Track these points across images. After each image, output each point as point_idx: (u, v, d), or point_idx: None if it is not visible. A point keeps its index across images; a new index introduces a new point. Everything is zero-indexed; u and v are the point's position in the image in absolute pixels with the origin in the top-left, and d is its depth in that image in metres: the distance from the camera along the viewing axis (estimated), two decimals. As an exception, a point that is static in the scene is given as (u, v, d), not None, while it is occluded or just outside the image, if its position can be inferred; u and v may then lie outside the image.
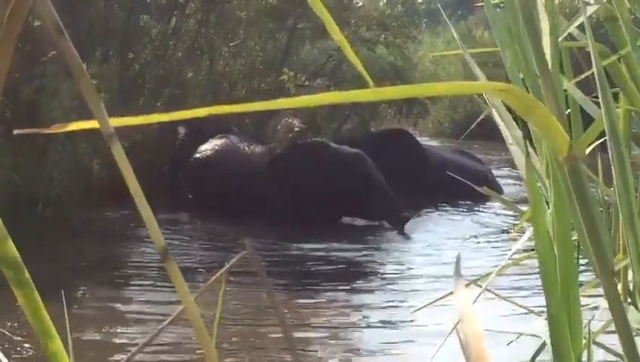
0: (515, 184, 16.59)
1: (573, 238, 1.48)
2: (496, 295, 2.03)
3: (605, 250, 1.34)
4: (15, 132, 0.94)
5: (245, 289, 8.62)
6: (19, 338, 7.08)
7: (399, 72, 22.85)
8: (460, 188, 13.23)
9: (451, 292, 0.80)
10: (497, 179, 16.62)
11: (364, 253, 11.30)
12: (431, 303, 2.36)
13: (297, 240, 11.63)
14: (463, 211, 14.50)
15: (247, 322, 7.91)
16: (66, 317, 1.43)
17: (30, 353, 6.84)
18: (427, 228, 13.12)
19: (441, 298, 2.21)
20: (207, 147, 13.69)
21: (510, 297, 2.86)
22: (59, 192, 11.57)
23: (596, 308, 1.81)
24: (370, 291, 9.36)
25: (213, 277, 0.78)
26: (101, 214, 12.20)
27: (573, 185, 1.32)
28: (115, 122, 0.81)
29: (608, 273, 1.36)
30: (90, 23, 14.25)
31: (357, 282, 9.77)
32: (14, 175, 10.84)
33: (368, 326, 8.09)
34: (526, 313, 2.33)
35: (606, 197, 2.01)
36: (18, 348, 6.93)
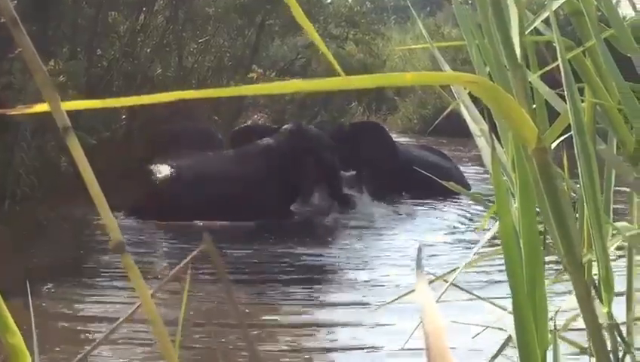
0: (482, 181, 16.65)
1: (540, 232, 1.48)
2: (461, 289, 2.03)
3: (574, 242, 1.33)
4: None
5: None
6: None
7: (368, 69, 22.89)
8: (429, 183, 13.32)
9: (414, 290, 0.79)
10: (465, 175, 16.70)
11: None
12: (395, 300, 2.36)
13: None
14: (433, 206, 14.57)
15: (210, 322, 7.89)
16: (31, 312, 1.41)
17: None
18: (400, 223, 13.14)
19: (404, 294, 2.21)
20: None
21: (474, 291, 2.86)
22: (26, 190, 11.51)
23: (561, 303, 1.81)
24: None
25: (172, 272, 0.77)
26: (69, 211, 12.13)
27: (542, 177, 1.31)
28: (68, 105, 0.80)
29: (577, 266, 1.35)
30: (58, 19, 14.17)
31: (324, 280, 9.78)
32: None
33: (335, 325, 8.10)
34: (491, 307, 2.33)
35: (572, 194, 2.01)
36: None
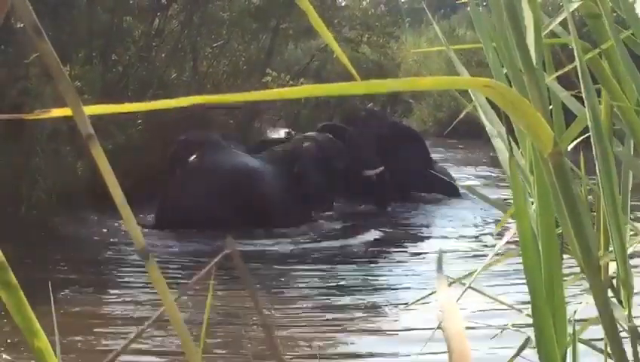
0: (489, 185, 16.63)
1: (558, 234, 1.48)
2: (479, 292, 2.03)
3: (591, 245, 1.34)
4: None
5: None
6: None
7: (383, 72, 22.86)
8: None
9: (434, 291, 0.79)
10: (479, 178, 16.86)
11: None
12: (416, 302, 2.36)
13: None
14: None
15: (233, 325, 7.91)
16: (54, 316, 1.42)
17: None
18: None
19: (425, 296, 2.21)
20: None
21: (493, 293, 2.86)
22: (42, 195, 11.54)
23: (580, 303, 1.81)
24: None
25: (195, 278, 0.77)
26: (86, 216, 12.17)
27: (558, 181, 1.32)
28: (92, 110, 0.81)
29: (594, 268, 1.36)
30: (72, 24, 14.20)
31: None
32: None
33: (354, 325, 8.11)
34: (508, 309, 2.33)
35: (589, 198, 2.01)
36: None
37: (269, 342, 0.70)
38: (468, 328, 0.77)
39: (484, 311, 6.51)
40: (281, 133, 18.77)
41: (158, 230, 11.86)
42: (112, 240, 11.32)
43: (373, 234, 12.49)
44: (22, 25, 10.81)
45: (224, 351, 7.26)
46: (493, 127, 1.62)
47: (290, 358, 7.05)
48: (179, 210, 11.99)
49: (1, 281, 0.83)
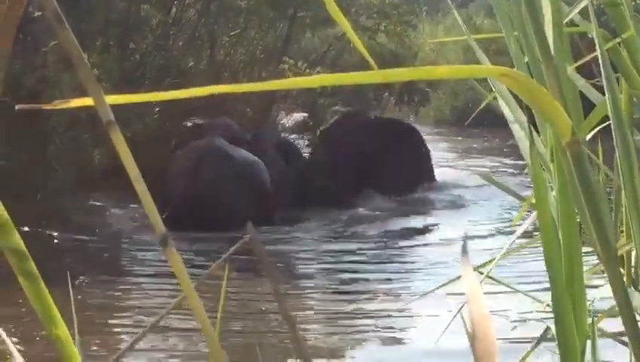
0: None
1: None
2: (498, 281, 2.03)
3: (609, 234, 1.33)
4: (17, 107, 0.95)
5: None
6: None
7: (399, 61, 22.84)
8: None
9: (459, 277, 0.79)
10: (504, 167, 16.87)
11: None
12: (438, 287, 2.36)
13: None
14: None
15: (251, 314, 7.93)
16: (72, 304, 1.43)
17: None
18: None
19: (449, 282, 2.20)
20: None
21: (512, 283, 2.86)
22: (58, 183, 11.58)
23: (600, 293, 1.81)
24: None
25: (215, 264, 0.78)
26: (103, 205, 12.21)
27: (576, 169, 1.31)
28: (111, 99, 0.81)
29: (612, 258, 1.35)
30: (90, 12, 14.23)
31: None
32: (14, 165, 10.84)
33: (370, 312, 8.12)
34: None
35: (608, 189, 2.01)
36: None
37: (292, 334, 0.70)
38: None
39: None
40: (298, 120, 18.79)
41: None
42: (129, 228, 11.34)
43: None
44: (39, 13, 10.84)
45: (242, 339, 7.28)
46: (513, 115, 1.61)
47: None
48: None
49: (23, 271, 0.83)
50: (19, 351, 1.09)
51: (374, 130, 15.25)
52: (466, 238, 0.81)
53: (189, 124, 13.79)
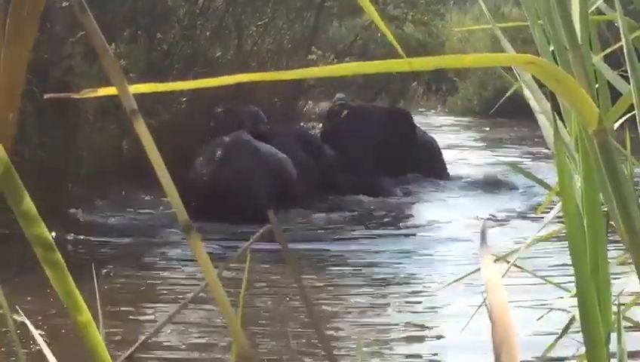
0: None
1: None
2: (523, 269, 2.02)
3: (636, 223, 1.33)
4: (45, 96, 0.96)
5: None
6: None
7: (427, 50, 22.77)
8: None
9: (479, 269, 0.79)
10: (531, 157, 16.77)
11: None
12: (459, 279, 2.36)
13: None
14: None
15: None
16: (97, 291, 1.44)
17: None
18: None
19: (471, 273, 2.20)
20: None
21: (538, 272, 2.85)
22: (88, 172, 11.64)
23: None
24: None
25: (239, 251, 0.78)
26: (130, 194, 12.25)
27: (603, 158, 1.31)
28: (136, 88, 0.81)
29: (639, 247, 1.34)
30: (117, 2, 14.26)
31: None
32: (43, 155, 10.90)
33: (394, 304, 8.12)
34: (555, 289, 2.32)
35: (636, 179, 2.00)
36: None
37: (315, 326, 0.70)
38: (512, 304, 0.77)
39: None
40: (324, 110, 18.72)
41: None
42: (157, 218, 11.37)
43: None
44: (67, 4, 10.87)
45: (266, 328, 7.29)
46: (538, 104, 1.61)
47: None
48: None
49: (48, 260, 0.84)
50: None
51: (383, 118, 15.24)
52: (486, 227, 0.81)
53: (218, 109, 13.74)
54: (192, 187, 11.58)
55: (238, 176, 11.74)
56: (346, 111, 14.74)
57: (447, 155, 16.43)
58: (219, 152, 12.17)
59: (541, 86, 1.43)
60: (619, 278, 1.91)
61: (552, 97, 1.45)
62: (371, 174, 13.82)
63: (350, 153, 13.91)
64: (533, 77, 1.63)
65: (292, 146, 13.10)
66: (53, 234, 9.35)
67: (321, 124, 17.19)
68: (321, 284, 8.68)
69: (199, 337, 7.02)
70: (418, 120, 17.50)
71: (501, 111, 18.18)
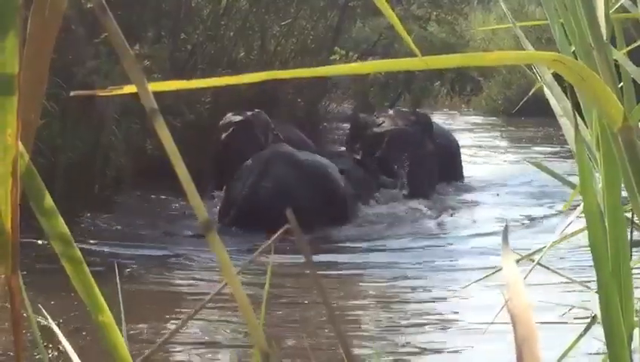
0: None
1: (626, 212, 1.46)
2: (548, 269, 2.02)
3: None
4: (72, 93, 0.96)
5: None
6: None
7: (451, 50, 22.73)
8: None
9: (501, 268, 0.79)
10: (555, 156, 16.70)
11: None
12: (481, 279, 2.35)
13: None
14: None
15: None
16: (119, 290, 1.44)
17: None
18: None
19: (491, 274, 2.19)
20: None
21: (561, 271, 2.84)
22: (115, 173, 11.70)
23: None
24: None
25: (258, 251, 0.78)
26: (157, 195, 12.28)
27: (629, 156, 1.30)
28: (155, 86, 0.81)
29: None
30: (142, 3, 14.31)
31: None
32: (70, 155, 10.96)
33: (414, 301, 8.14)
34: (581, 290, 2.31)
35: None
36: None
37: (334, 327, 0.70)
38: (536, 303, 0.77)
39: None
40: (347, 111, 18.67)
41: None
42: (180, 219, 11.39)
43: None
44: (92, 5, 10.91)
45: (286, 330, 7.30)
46: (558, 103, 1.60)
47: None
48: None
49: (67, 256, 0.84)
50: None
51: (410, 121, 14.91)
52: (507, 227, 0.80)
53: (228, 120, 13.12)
54: (232, 202, 11.19)
55: (278, 189, 11.18)
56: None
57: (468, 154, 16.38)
58: (259, 166, 11.61)
59: (561, 84, 1.43)
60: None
61: (572, 95, 1.44)
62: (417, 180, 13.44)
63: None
64: (553, 75, 1.63)
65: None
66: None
67: (344, 125, 17.12)
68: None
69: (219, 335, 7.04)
70: (441, 119, 17.39)
71: (526, 110, 18.05)
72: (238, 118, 12.94)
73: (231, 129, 12.78)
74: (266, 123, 12.98)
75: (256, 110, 13.06)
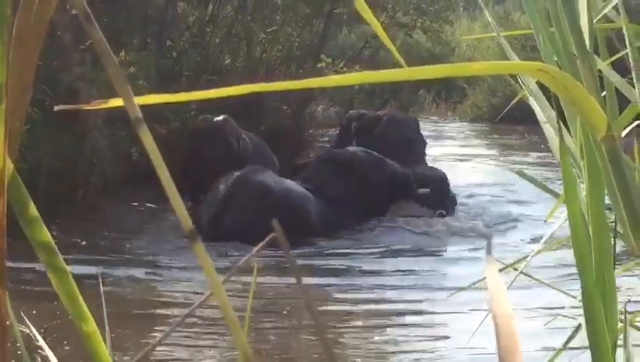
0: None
1: (610, 221, 1.47)
2: (531, 278, 2.02)
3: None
4: (55, 108, 0.96)
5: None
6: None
7: (437, 58, 22.79)
8: None
9: (485, 277, 0.79)
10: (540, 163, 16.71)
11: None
12: (468, 287, 2.36)
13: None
14: None
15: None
16: (103, 300, 1.44)
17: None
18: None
19: (476, 282, 2.20)
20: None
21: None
22: (98, 180, 11.67)
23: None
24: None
25: (243, 259, 0.78)
26: (141, 202, 12.26)
27: (612, 165, 1.31)
28: (142, 100, 0.82)
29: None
30: (127, 10, 14.30)
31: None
32: (54, 161, 10.93)
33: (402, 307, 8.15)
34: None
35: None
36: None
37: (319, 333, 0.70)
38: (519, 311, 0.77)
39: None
40: (333, 117, 18.65)
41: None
42: (166, 227, 11.35)
43: None
44: (77, 11, 10.88)
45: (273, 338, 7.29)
46: (543, 112, 1.61)
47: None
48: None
49: (52, 266, 0.84)
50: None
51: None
52: (491, 236, 0.81)
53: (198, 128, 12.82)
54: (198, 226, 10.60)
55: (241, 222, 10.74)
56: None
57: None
58: (224, 191, 11.28)
59: (545, 93, 1.44)
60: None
61: (556, 105, 1.45)
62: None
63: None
64: (538, 84, 1.64)
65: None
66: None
67: (330, 130, 17.11)
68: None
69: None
70: (427, 126, 17.38)
71: (511, 117, 18.09)
72: (209, 124, 12.68)
73: (201, 136, 12.57)
74: (236, 129, 12.74)
75: (224, 116, 12.71)
